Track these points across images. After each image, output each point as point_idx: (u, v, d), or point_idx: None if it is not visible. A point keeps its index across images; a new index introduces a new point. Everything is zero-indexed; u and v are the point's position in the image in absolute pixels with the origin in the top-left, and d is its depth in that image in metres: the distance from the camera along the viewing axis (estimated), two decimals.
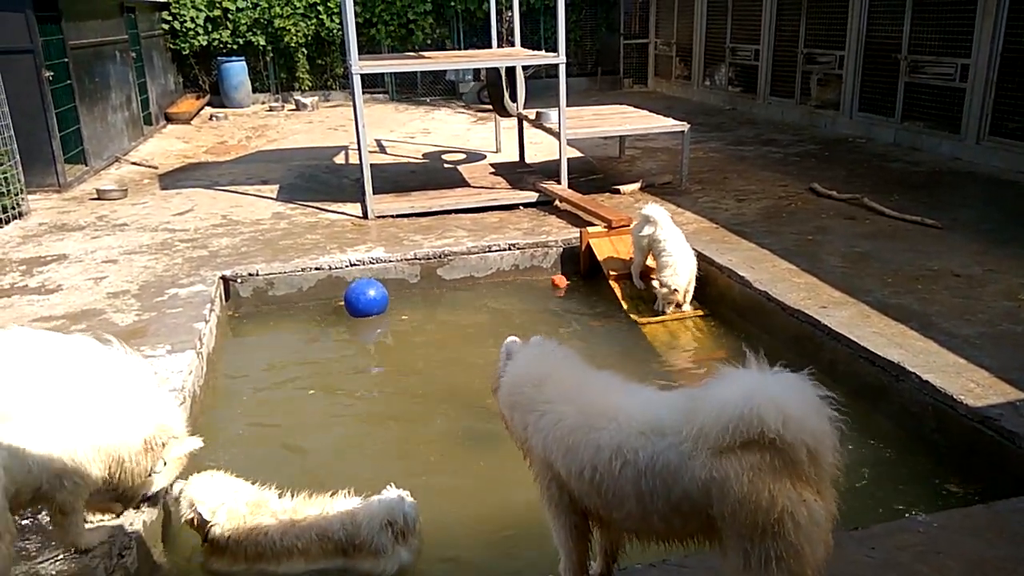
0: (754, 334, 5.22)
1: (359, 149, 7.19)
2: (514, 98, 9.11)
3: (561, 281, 6.36)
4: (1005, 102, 8.27)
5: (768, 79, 12.55)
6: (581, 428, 2.35)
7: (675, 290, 5.47)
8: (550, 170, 8.16)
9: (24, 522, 3.01)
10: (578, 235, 6.43)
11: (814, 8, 11.24)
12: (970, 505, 3.18)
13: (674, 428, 2.17)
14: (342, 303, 5.84)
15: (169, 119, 13.43)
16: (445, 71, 16.15)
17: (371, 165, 7.29)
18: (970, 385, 3.78)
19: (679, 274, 5.47)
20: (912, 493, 3.58)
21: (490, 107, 10.49)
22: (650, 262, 5.81)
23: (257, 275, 5.93)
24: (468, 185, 8.25)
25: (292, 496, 3.18)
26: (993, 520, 2.88)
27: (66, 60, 8.87)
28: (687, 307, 5.61)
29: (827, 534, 2.11)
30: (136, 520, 3.07)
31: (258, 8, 15.48)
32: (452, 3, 16.12)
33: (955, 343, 4.23)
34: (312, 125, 13.42)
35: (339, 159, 10.34)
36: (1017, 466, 3.36)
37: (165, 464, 2.98)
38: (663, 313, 5.58)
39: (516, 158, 9.52)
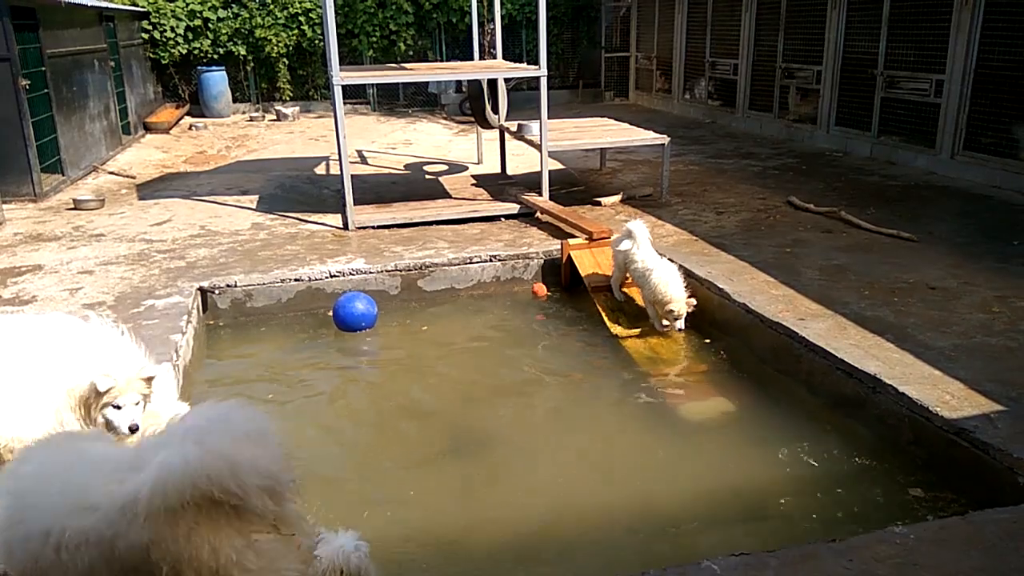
0: (733, 346, 5.26)
1: (340, 160, 7.17)
2: (496, 110, 9.14)
3: (541, 289, 6.36)
4: (979, 117, 8.41)
5: (747, 93, 12.68)
6: (12, 521, 2.15)
7: (679, 311, 5.29)
8: (531, 182, 8.18)
9: None
10: (559, 247, 6.45)
11: (792, 24, 11.38)
12: (946, 516, 3.20)
13: (108, 500, 2.04)
14: (321, 314, 5.81)
15: (148, 128, 13.33)
16: (427, 83, 16.18)
17: (352, 176, 7.27)
18: (945, 397, 3.82)
19: (673, 288, 5.30)
20: (889, 504, 3.60)
21: (472, 119, 10.51)
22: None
23: (235, 286, 5.88)
24: (449, 196, 8.25)
25: None
26: (969, 531, 2.90)
27: (43, 69, 8.78)
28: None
29: (301, 563, 2.06)
30: None
31: (239, 18, 15.43)
32: (434, 15, 16.16)
33: (931, 355, 4.27)
34: (293, 135, 13.37)
35: (320, 170, 10.30)
36: (992, 477, 3.40)
37: None
38: (677, 330, 5.42)
39: (498, 170, 9.53)
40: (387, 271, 6.16)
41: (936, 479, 3.68)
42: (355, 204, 7.25)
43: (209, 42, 15.42)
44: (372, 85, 15.85)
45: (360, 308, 5.64)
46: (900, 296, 5.18)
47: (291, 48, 15.72)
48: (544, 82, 7.38)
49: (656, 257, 5.55)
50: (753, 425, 4.40)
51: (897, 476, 3.79)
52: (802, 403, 4.51)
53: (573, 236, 6.57)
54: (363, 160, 10.93)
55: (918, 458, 3.80)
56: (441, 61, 15.83)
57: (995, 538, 2.85)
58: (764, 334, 4.93)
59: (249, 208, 8.14)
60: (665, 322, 5.46)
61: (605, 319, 5.76)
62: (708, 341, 5.45)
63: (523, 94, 14.48)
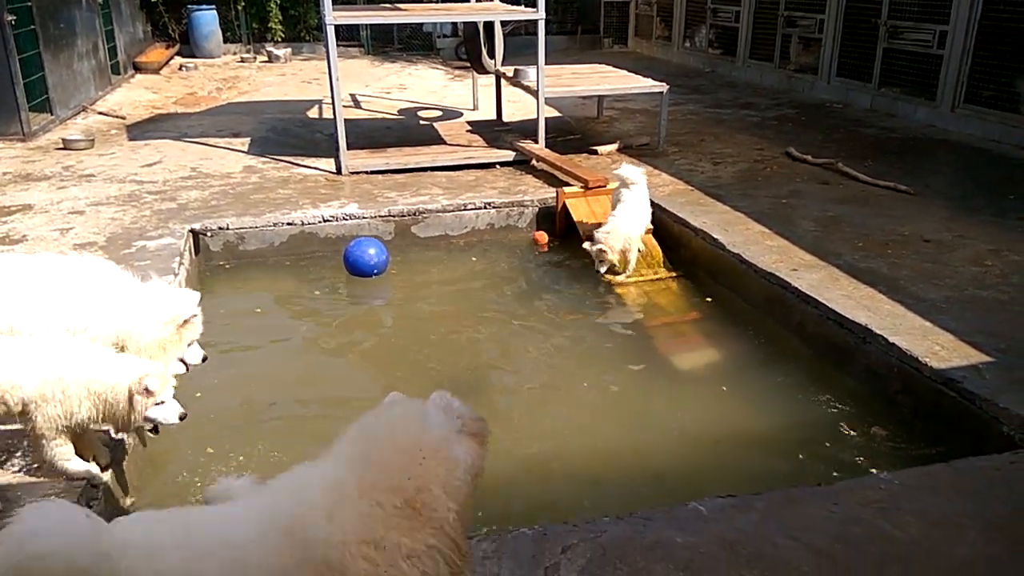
0: (726, 296, 5.27)
1: (333, 103, 7.06)
2: (492, 55, 8.97)
3: (542, 238, 6.33)
4: (980, 70, 8.30)
5: (748, 42, 12.48)
6: None
7: (603, 250, 5.37)
8: (527, 129, 8.08)
9: None
10: (554, 195, 6.40)
11: None
12: (931, 463, 3.25)
13: None
14: (314, 258, 5.78)
15: (138, 68, 13.08)
16: (422, 25, 15.86)
17: (345, 120, 7.16)
18: (935, 348, 3.85)
19: (613, 235, 5.39)
20: (875, 452, 3.66)
21: (468, 64, 10.33)
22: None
23: (227, 229, 5.84)
24: (444, 143, 8.15)
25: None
26: (952, 478, 2.95)
27: (29, 4, 8.54)
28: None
29: None
30: (104, 473, 3.04)
31: None
32: None
33: (922, 307, 4.29)
34: (285, 78, 13.14)
35: (312, 113, 10.15)
36: (977, 426, 3.45)
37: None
38: (598, 272, 5.51)
39: (493, 116, 9.41)
40: (381, 216, 6.12)
41: (923, 427, 3.73)
42: (348, 149, 7.16)
43: None
44: (366, 27, 15.53)
45: (371, 253, 5.58)
46: (894, 248, 5.18)
47: None
48: (542, 26, 7.23)
49: (634, 202, 5.55)
50: (744, 373, 4.43)
51: (884, 424, 3.83)
52: (793, 353, 4.54)
53: (569, 184, 6.52)
54: (356, 104, 10.77)
55: (906, 407, 3.84)
56: (437, 2, 15.48)
57: (979, 485, 2.90)
58: (757, 284, 4.94)
59: (240, 151, 8.03)
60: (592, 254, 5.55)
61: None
62: (702, 290, 5.46)
63: (520, 39, 14.19)
